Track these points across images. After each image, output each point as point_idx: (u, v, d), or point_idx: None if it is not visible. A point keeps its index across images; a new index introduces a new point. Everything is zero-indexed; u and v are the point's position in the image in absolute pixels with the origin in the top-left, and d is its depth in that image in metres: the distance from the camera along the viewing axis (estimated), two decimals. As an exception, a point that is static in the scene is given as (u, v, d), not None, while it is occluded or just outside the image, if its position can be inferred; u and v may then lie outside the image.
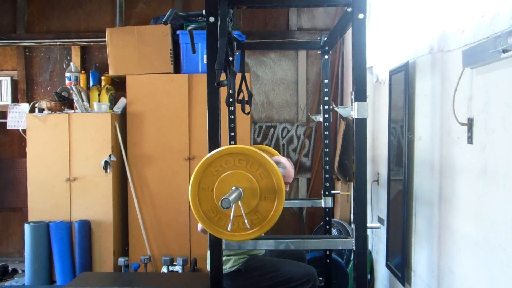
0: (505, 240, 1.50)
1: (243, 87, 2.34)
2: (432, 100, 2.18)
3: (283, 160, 2.45)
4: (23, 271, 3.91)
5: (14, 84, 4.48)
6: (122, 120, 3.95)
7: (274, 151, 2.84)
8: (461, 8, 1.76)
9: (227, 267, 2.41)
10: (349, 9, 1.59)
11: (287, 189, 2.47)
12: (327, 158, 2.68)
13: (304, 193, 4.50)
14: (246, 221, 1.46)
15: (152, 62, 3.87)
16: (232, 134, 2.54)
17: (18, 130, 4.35)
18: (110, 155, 3.77)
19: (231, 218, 1.44)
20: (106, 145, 3.78)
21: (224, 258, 2.42)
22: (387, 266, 2.78)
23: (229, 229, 1.46)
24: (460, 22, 1.75)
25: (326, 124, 2.64)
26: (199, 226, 2.34)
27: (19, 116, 4.34)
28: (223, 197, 1.36)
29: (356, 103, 1.54)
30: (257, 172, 1.48)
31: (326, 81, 2.60)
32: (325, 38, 2.49)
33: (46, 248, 3.74)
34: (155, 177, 3.86)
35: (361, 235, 1.58)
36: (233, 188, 1.46)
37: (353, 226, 1.60)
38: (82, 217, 3.79)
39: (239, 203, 1.45)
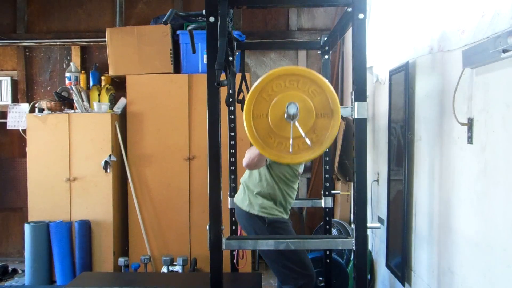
0: (505, 240, 1.50)
1: (243, 87, 2.35)
2: (432, 100, 2.18)
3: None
4: (23, 271, 3.91)
5: (14, 84, 4.48)
6: (122, 120, 3.95)
7: None
8: (461, 8, 1.76)
9: (253, 209, 2.45)
10: (349, 9, 1.59)
11: None
12: (327, 158, 2.68)
13: (304, 193, 4.50)
14: (306, 139, 1.43)
15: (152, 62, 3.87)
16: (232, 134, 2.54)
17: (18, 130, 4.35)
18: (110, 155, 3.77)
19: (291, 136, 1.41)
20: (106, 145, 3.78)
21: (254, 197, 2.45)
22: (387, 266, 2.78)
23: (290, 150, 1.43)
24: (460, 22, 1.75)
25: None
26: (245, 160, 2.32)
27: (19, 116, 4.34)
28: (288, 109, 1.33)
29: (356, 103, 1.54)
30: (310, 90, 1.45)
31: (326, 81, 2.59)
32: (325, 38, 2.49)
33: (46, 248, 3.74)
34: (155, 177, 3.86)
35: (361, 235, 1.58)
36: (287, 104, 1.42)
37: (353, 226, 1.60)
38: (82, 217, 3.79)
39: (296, 123, 1.42)
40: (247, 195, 2.50)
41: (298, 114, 1.44)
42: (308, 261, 2.48)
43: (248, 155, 2.30)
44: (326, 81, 1.46)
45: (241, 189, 2.60)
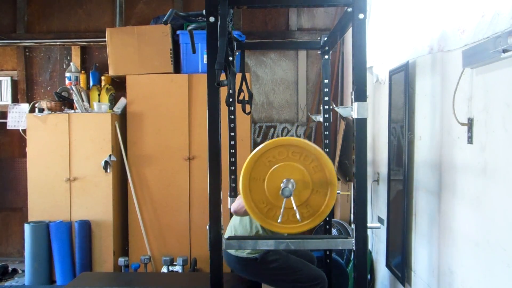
0: (505, 240, 1.50)
1: (243, 87, 2.34)
2: (432, 100, 2.18)
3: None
4: (23, 271, 3.91)
5: (14, 84, 4.49)
6: (122, 120, 3.95)
7: None
8: (461, 8, 1.76)
9: (246, 252, 2.44)
10: (349, 9, 1.59)
11: None
12: (327, 158, 2.67)
13: (304, 193, 4.49)
14: (297, 214, 1.44)
15: (152, 62, 3.87)
16: (232, 134, 2.54)
17: (18, 130, 4.35)
18: (110, 155, 3.77)
19: (282, 210, 1.42)
20: (106, 145, 3.78)
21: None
22: (387, 266, 2.78)
23: (279, 221, 1.44)
24: (460, 22, 1.75)
25: (326, 124, 2.64)
26: (234, 206, 2.33)
27: (19, 116, 4.34)
28: (284, 186, 1.34)
29: (356, 103, 1.54)
30: (311, 165, 1.46)
31: (326, 81, 2.60)
32: (325, 38, 2.49)
33: (46, 248, 3.74)
34: (155, 177, 3.86)
35: (361, 235, 1.58)
36: (285, 180, 1.44)
37: (353, 226, 1.60)
38: (82, 217, 3.79)
39: (291, 197, 1.43)
40: None
41: (294, 187, 1.45)
42: (312, 270, 2.48)
43: (238, 202, 2.30)
44: (329, 159, 1.46)
45: (229, 231, 2.59)
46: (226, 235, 2.52)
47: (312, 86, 4.47)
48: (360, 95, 1.55)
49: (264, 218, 1.49)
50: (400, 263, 2.52)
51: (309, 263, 2.57)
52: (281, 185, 1.40)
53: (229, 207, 2.71)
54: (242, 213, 2.32)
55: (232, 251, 2.47)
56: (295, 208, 1.44)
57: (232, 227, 2.58)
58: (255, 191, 1.48)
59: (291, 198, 1.43)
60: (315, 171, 1.46)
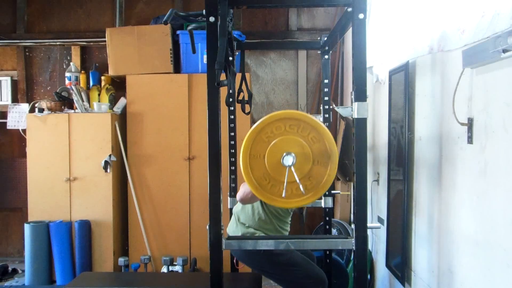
0: (505, 240, 1.50)
1: (243, 87, 2.34)
2: (432, 100, 2.18)
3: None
4: (23, 271, 3.91)
5: (14, 84, 4.48)
6: (122, 120, 3.95)
7: None
8: (461, 8, 1.76)
9: None
10: (349, 9, 1.59)
11: None
12: (327, 158, 2.67)
13: (304, 193, 4.49)
14: (300, 186, 1.43)
15: (152, 62, 3.87)
16: (232, 134, 2.54)
17: (18, 130, 4.35)
18: (110, 155, 3.77)
19: (285, 184, 1.41)
20: (106, 145, 3.78)
21: (246, 230, 2.44)
22: (387, 266, 2.78)
23: (283, 195, 1.43)
24: (460, 22, 1.75)
25: (326, 124, 2.64)
26: (239, 195, 2.32)
27: (19, 116, 4.34)
28: (285, 153, 1.33)
29: (356, 103, 1.54)
30: (309, 137, 1.45)
31: (326, 81, 2.60)
32: (325, 38, 2.49)
33: (46, 248, 3.74)
34: (155, 177, 3.86)
35: (361, 235, 1.58)
36: (285, 154, 1.43)
37: (353, 226, 1.60)
38: (82, 217, 3.79)
39: (292, 169, 1.42)
40: (239, 228, 2.49)
41: (295, 161, 1.44)
42: (316, 269, 2.47)
43: (242, 189, 2.29)
44: (326, 129, 1.46)
45: (233, 220, 2.58)
46: (230, 227, 2.54)
47: (312, 86, 4.47)
48: (360, 95, 1.55)
49: (269, 195, 1.48)
50: (400, 263, 2.52)
51: (311, 262, 2.57)
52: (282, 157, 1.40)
53: (229, 207, 2.71)
54: (248, 199, 2.30)
55: None
56: (298, 180, 1.43)
57: (235, 215, 2.57)
58: (256, 168, 1.47)
59: (293, 171, 1.42)
60: (313, 141, 1.46)
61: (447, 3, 1.91)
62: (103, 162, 3.75)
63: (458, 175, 1.88)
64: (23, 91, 4.49)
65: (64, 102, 4.06)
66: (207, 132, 1.61)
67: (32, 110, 4.06)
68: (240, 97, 2.37)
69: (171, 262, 3.55)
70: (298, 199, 1.48)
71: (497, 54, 1.41)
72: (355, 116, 1.55)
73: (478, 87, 1.69)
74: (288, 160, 1.34)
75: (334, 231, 3.75)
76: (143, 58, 3.87)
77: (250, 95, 2.49)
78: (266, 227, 2.46)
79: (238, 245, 1.70)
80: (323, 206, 2.70)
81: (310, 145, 1.45)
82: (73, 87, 3.94)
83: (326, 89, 2.61)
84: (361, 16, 1.54)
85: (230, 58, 2.01)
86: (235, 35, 3.36)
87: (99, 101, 3.98)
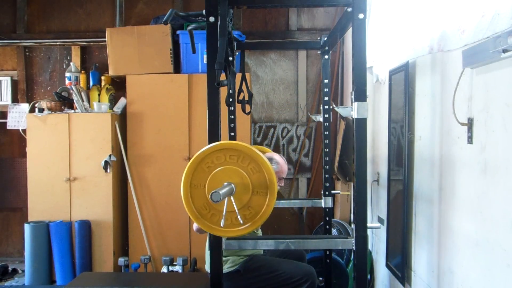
0: (505, 240, 1.50)
1: (243, 87, 2.35)
2: (432, 100, 2.18)
3: (276, 156, 2.49)
4: (23, 271, 3.91)
5: (14, 84, 4.48)
6: (122, 120, 3.95)
7: (267, 149, 2.86)
8: (461, 8, 1.76)
9: (226, 267, 2.41)
10: (349, 9, 1.59)
11: (281, 184, 2.51)
12: (327, 158, 2.68)
13: (304, 193, 4.50)
14: (238, 216, 1.46)
15: (152, 62, 3.87)
16: (232, 134, 2.54)
17: (18, 130, 4.35)
18: (110, 155, 3.77)
19: (224, 213, 1.43)
20: (106, 145, 3.78)
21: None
22: (387, 266, 2.78)
23: (222, 224, 1.46)
24: (460, 22, 1.75)
25: (326, 124, 2.64)
26: (195, 225, 2.35)
27: (19, 116, 4.34)
28: (213, 191, 1.36)
29: (356, 103, 1.54)
30: (249, 167, 1.47)
31: (326, 81, 2.60)
32: (325, 38, 2.49)
33: (46, 248, 3.74)
34: (155, 177, 3.86)
35: (361, 235, 1.58)
36: (225, 183, 1.46)
37: (353, 226, 1.60)
38: (82, 217, 3.79)
39: (232, 198, 1.45)
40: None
41: (234, 190, 1.46)
42: (299, 268, 2.45)
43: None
44: (266, 160, 1.47)
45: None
46: (207, 262, 2.49)
47: (312, 86, 4.47)
48: (360, 95, 1.55)
49: (208, 223, 1.50)
50: (400, 263, 2.52)
51: (294, 261, 2.55)
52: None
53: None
54: (200, 229, 2.30)
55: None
56: (236, 210, 1.45)
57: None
58: (197, 198, 1.49)
59: (232, 200, 1.44)
60: (253, 172, 1.47)
61: (447, 3, 1.91)
62: (103, 162, 3.75)
63: (458, 175, 1.88)
64: (23, 91, 4.49)
65: (64, 102, 4.06)
66: (207, 132, 1.61)
67: (32, 110, 4.06)
68: (240, 97, 2.38)
69: (171, 262, 3.55)
70: (236, 228, 1.51)
71: (497, 54, 1.41)
72: (355, 116, 1.55)
73: (478, 87, 1.69)
74: (214, 197, 1.35)
75: (334, 231, 3.75)
76: (143, 58, 3.87)
77: (250, 95, 2.49)
78: (238, 251, 2.44)
79: (238, 245, 1.70)
80: (323, 206, 2.70)
81: (249, 176, 1.47)
82: (73, 87, 3.94)
83: (326, 89, 2.61)
84: (361, 16, 1.54)
85: (230, 58, 2.01)
86: (235, 35, 3.36)
87: (99, 101, 3.98)
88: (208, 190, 1.47)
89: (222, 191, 1.38)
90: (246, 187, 1.47)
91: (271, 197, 1.48)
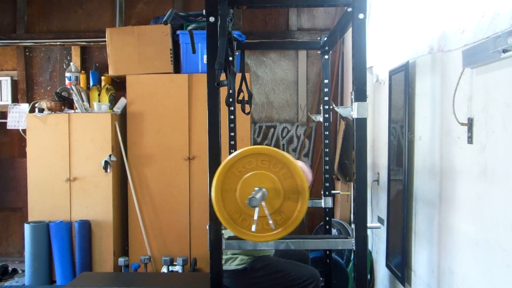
0: (505, 240, 1.50)
1: (243, 87, 2.34)
2: (432, 100, 2.18)
3: (300, 163, 2.48)
4: (23, 271, 3.91)
5: (14, 84, 4.49)
6: (122, 120, 3.95)
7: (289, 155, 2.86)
8: (461, 8, 1.76)
9: (234, 264, 2.43)
10: (349, 9, 1.59)
11: None
12: (327, 158, 2.68)
13: (304, 193, 4.49)
14: (270, 222, 1.44)
15: (152, 62, 3.87)
16: (232, 134, 2.54)
17: (18, 130, 4.35)
18: (110, 155, 3.77)
19: (255, 218, 1.42)
20: (106, 145, 3.78)
21: (230, 256, 2.43)
22: (387, 266, 2.78)
23: (253, 229, 1.43)
24: (460, 22, 1.75)
25: (326, 124, 2.64)
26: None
27: (19, 116, 4.34)
28: (251, 196, 1.35)
29: (356, 103, 1.54)
30: (280, 173, 1.46)
31: (326, 81, 2.60)
32: (325, 38, 2.49)
33: (46, 248, 3.74)
34: (155, 177, 3.86)
35: (361, 235, 1.58)
36: (257, 188, 1.44)
37: (353, 226, 1.60)
38: (82, 217, 3.79)
39: (263, 203, 1.43)
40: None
41: (266, 195, 1.45)
42: (304, 270, 2.46)
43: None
44: (297, 165, 1.47)
45: None
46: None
47: (312, 86, 4.47)
48: (360, 95, 1.55)
49: (240, 228, 1.49)
50: (400, 263, 2.52)
51: (299, 263, 2.55)
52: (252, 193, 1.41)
53: None
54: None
55: None
56: (268, 215, 1.44)
57: None
58: (228, 202, 1.48)
59: (264, 206, 1.43)
60: (285, 177, 1.47)
61: (447, 3, 1.91)
62: (103, 162, 3.75)
63: (458, 175, 1.88)
64: (23, 91, 4.49)
65: (64, 102, 4.06)
66: (207, 132, 1.61)
67: (32, 110, 4.06)
68: (240, 97, 2.37)
69: (171, 262, 3.55)
70: (267, 233, 1.49)
71: (497, 54, 1.41)
72: (355, 116, 1.55)
73: (478, 87, 1.69)
74: (253, 202, 1.35)
75: (334, 231, 3.75)
76: (143, 58, 3.87)
77: (250, 95, 2.49)
78: (248, 251, 2.44)
79: (238, 245, 1.70)
80: (323, 206, 2.70)
81: (281, 181, 1.47)
82: (73, 87, 3.94)
83: (326, 89, 2.61)
84: (361, 16, 1.54)
85: (230, 58, 2.01)
86: (235, 35, 3.36)
87: (99, 101, 3.98)
88: (240, 195, 1.47)
89: (258, 196, 1.37)
90: (278, 192, 1.46)
91: (303, 203, 1.47)
